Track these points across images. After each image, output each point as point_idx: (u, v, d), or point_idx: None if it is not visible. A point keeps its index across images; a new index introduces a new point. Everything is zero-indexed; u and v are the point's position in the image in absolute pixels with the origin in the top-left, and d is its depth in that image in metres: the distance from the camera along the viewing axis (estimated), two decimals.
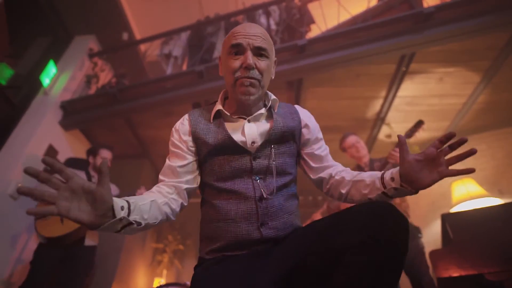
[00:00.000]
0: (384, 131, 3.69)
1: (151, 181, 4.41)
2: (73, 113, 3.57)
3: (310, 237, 0.84)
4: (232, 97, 1.03)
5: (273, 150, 0.99)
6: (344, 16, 3.38)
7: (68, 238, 2.29)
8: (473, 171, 0.84)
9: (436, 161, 0.86)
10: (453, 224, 2.11)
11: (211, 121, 1.03)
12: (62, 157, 3.33)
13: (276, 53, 2.98)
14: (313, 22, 3.69)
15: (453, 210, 3.00)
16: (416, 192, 0.88)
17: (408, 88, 3.23)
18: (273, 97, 1.06)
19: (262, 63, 0.97)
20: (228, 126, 1.01)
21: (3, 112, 3.28)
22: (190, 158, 1.02)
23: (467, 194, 3.00)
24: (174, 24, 4.04)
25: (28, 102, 3.44)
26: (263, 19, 3.75)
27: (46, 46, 4.02)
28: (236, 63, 0.96)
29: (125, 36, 4.42)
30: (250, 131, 0.99)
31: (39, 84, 3.48)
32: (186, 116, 1.08)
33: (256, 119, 1.03)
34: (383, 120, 3.58)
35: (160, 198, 0.94)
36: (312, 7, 3.73)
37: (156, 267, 4.51)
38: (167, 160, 1.05)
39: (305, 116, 1.10)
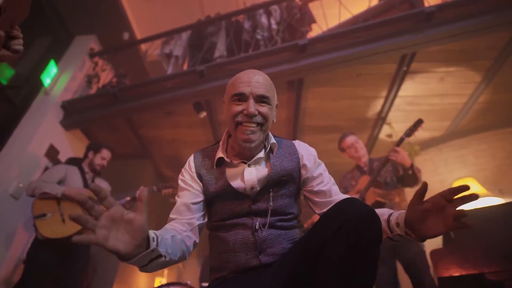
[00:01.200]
0: (385, 131, 3.69)
1: (152, 181, 4.42)
2: (74, 113, 3.57)
3: (299, 246, 0.90)
4: (234, 140, 1.07)
5: (271, 194, 1.03)
6: (345, 16, 3.38)
7: (68, 240, 2.29)
8: (471, 226, 0.81)
9: (445, 212, 0.82)
10: None
11: (214, 167, 1.08)
12: (62, 156, 3.33)
13: (277, 53, 3.01)
14: (314, 21, 3.69)
15: None
16: (422, 241, 0.86)
17: (409, 88, 3.22)
18: (272, 140, 1.10)
19: (263, 109, 1.01)
20: (229, 172, 1.07)
21: (4, 112, 3.29)
22: (201, 196, 1.07)
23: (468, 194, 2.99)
24: (174, 23, 4.04)
25: (29, 102, 3.44)
26: (263, 19, 3.75)
27: (47, 46, 4.02)
28: (238, 108, 1.00)
29: (125, 36, 4.43)
30: (249, 176, 1.04)
31: (40, 84, 3.48)
32: (191, 159, 1.13)
33: (255, 163, 1.07)
34: (384, 120, 3.58)
35: (177, 234, 0.95)
36: (313, 7, 3.73)
37: None
38: (177, 199, 1.07)
39: (304, 153, 1.12)
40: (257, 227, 0.98)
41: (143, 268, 0.78)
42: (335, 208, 0.82)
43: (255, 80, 1.01)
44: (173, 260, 0.87)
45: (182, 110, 3.48)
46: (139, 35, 5.10)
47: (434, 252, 2.11)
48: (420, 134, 2.35)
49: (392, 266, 2.40)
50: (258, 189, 1.03)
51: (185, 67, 4.04)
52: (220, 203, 1.04)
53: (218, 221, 1.05)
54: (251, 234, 0.98)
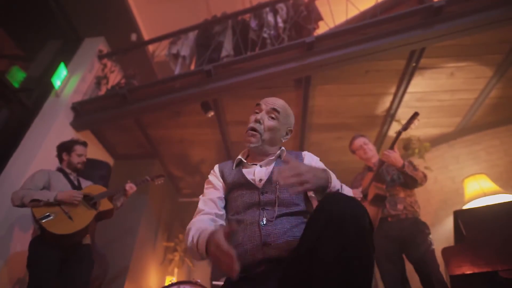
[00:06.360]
0: (394, 128, 3.65)
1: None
2: (84, 114, 3.62)
3: (293, 253, 0.93)
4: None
5: (277, 186, 1.14)
6: (353, 12, 3.35)
7: (79, 235, 2.27)
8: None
9: None
10: (466, 221, 2.08)
11: (233, 168, 1.29)
12: None
13: (284, 51, 3.00)
14: (320, 19, 3.67)
15: (466, 207, 2.95)
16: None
17: (419, 84, 3.18)
18: (282, 148, 1.30)
19: (270, 122, 1.23)
20: (244, 170, 1.26)
21: (16, 114, 3.35)
22: (222, 193, 1.26)
23: (480, 191, 2.95)
24: (181, 24, 4.06)
25: (40, 104, 3.50)
26: (270, 17, 3.75)
27: (57, 49, 4.08)
28: (252, 118, 1.26)
29: (133, 37, 4.47)
30: (259, 172, 1.22)
31: (50, 86, 3.54)
32: (216, 166, 1.35)
33: (266, 164, 1.25)
34: (393, 117, 3.54)
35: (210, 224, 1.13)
36: (320, 4, 3.71)
37: (168, 266, 4.55)
38: (203, 197, 1.25)
39: (307, 156, 1.30)
40: (264, 222, 1.07)
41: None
42: (317, 208, 0.85)
43: (272, 100, 1.27)
44: None
45: (190, 110, 3.50)
46: (146, 36, 5.14)
47: (445, 250, 2.08)
48: (415, 125, 2.32)
49: (400, 264, 2.41)
50: (265, 180, 1.17)
51: (192, 67, 4.06)
52: (234, 195, 1.19)
53: (233, 215, 1.17)
54: (257, 227, 1.07)
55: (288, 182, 0.85)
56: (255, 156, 1.29)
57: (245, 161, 1.28)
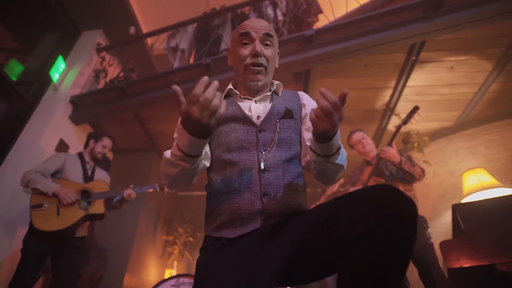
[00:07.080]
0: (393, 122, 3.65)
1: (160, 175, 4.46)
2: (83, 108, 3.61)
3: (315, 224, 0.81)
4: (241, 83, 1.12)
5: (278, 124, 1.04)
6: (353, 5, 3.32)
7: (63, 232, 2.23)
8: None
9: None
10: (464, 214, 2.09)
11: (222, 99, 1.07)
12: (72, 151, 3.38)
13: (283, 44, 2.98)
14: (320, 12, 3.64)
15: (464, 200, 2.96)
16: (318, 139, 0.88)
17: (418, 78, 3.17)
18: (277, 82, 1.14)
19: (268, 51, 1.06)
20: (238, 102, 1.10)
21: (15, 108, 3.34)
22: None
23: (478, 185, 2.96)
24: (180, 17, 4.02)
25: (38, 97, 3.49)
26: (269, 10, 3.72)
27: (55, 42, 4.05)
28: (246, 51, 1.05)
29: (132, 30, 4.43)
30: (256, 108, 1.08)
31: (49, 79, 3.52)
32: None
33: (261, 100, 1.11)
34: (393, 110, 3.54)
35: None
36: None
37: (167, 259, 4.58)
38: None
39: (305, 96, 1.17)
40: (263, 167, 0.96)
41: (195, 157, 0.90)
42: (373, 195, 0.71)
43: (258, 25, 1.07)
44: (195, 172, 0.97)
45: None
46: (145, 29, 5.10)
47: (444, 243, 2.09)
48: (415, 119, 2.37)
49: None
50: (263, 117, 1.04)
51: (191, 60, 4.04)
52: (225, 130, 1.03)
53: (223, 152, 1.01)
54: (258, 175, 0.95)
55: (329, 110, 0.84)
56: (248, 90, 1.11)
57: (238, 93, 1.11)
